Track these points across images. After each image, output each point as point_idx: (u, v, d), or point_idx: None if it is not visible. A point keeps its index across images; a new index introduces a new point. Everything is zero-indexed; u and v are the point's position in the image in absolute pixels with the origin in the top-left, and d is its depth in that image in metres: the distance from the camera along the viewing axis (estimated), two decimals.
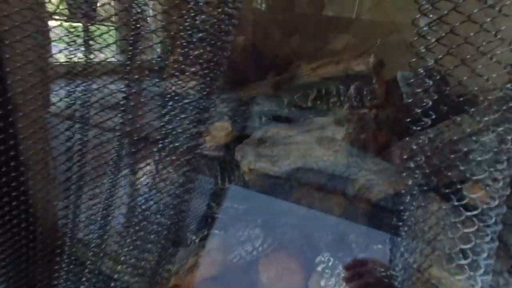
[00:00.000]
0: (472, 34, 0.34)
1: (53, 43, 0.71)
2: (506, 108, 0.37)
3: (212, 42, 0.58)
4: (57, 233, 0.85)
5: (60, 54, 0.69)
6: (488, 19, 0.32)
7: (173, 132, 0.59)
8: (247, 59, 1.19)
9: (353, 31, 1.42)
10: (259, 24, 1.50)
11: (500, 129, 0.36)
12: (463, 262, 0.40)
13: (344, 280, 0.88)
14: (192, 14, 0.53)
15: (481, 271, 0.39)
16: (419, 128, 0.45)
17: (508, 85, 0.35)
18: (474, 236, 0.39)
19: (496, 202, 0.37)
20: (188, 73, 0.60)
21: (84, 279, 0.81)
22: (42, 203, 0.79)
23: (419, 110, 0.42)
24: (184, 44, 0.56)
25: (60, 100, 0.71)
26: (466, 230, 0.39)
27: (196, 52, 0.57)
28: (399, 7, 1.33)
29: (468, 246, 0.38)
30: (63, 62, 0.70)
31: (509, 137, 0.36)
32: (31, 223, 0.78)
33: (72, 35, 0.67)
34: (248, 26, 1.45)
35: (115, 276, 0.77)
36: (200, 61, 0.58)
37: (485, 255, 0.38)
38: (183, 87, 0.61)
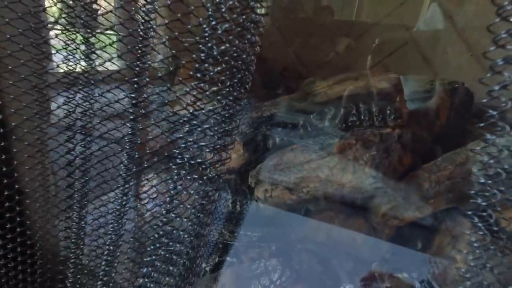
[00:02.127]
0: None
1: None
2: None
3: (236, 55, 0.52)
4: (58, 257, 0.79)
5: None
6: None
7: (191, 160, 0.52)
8: (254, 74, 1.13)
9: (353, 34, 1.38)
10: (264, 34, 1.43)
11: None
12: None
13: None
14: (213, 23, 0.46)
15: None
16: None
17: None
18: None
19: None
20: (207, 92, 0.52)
21: None
22: (40, 224, 0.72)
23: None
24: (201, 58, 0.49)
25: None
26: None
27: (218, 68, 0.50)
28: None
29: None
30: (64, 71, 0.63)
31: None
32: (29, 245, 0.71)
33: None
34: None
35: None
36: (222, 78, 0.52)
37: None
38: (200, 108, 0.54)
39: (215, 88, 0.51)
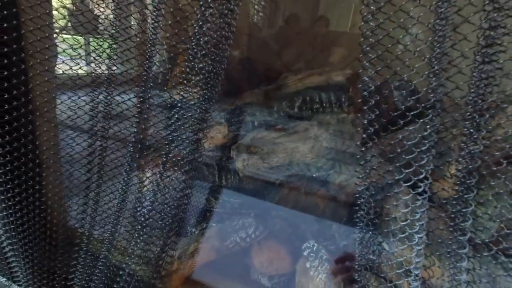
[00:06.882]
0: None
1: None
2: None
3: (213, 57, 0.72)
4: (69, 228, 0.95)
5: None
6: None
7: (177, 139, 0.72)
8: (242, 71, 1.34)
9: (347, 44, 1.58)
10: (254, 40, 1.66)
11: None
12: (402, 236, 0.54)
13: (333, 273, 1.01)
14: (199, 34, 0.66)
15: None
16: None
17: None
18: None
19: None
20: (191, 85, 0.72)
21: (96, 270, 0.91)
22: (53, 200, 0.88)
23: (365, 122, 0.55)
24: (190, 58, 0.69)
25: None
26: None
27: (200, 65, 0.70)
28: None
29: (405, 223, 0.52)
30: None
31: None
32: (44, 218, 0.87)
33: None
34: (244, 41, 1.61)
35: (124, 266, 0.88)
36: (203, 72, 0.71)
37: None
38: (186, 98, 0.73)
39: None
